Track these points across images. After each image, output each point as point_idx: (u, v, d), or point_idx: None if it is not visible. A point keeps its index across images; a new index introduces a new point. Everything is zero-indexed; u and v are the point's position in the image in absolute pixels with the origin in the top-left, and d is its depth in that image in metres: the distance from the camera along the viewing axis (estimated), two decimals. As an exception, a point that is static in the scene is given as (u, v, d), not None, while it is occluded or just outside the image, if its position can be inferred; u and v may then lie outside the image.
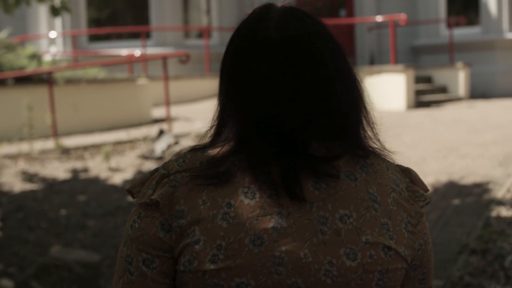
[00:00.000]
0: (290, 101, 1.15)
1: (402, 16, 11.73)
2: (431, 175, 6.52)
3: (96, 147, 8.83)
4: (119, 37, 14.98)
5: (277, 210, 1.12)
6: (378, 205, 1.16)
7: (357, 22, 14.40)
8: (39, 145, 8.84)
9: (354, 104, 1.20)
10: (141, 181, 1.21)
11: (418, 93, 12.04)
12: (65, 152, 8.64)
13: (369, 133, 1.25)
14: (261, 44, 1.18)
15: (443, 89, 12.74)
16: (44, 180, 7.51)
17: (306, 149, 1.15)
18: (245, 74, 1.18)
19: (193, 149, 1.22)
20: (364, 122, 1.23)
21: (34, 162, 8.28)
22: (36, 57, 10.61)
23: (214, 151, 1.19)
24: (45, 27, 15.06)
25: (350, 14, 15.15)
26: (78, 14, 14.39)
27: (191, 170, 1.16)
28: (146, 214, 1.16)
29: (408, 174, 1.26)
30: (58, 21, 14.44)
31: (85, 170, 7.84)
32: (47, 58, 12.35)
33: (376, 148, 1.25)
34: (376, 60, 14.78)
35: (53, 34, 14.18)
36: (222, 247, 1.10)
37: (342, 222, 1.13)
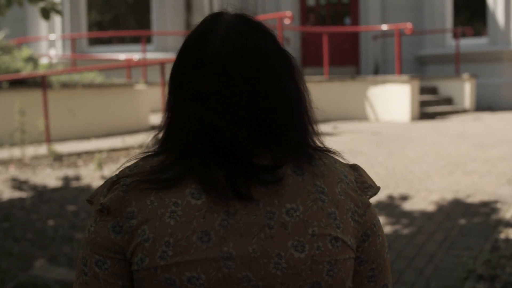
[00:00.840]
0: (228, 118, 1.17)
1: (408, 25, 11.46)
2: (436, 192, 6.24)
3: (90, 154, 8.57)
4: (121, 41, 14.75)
5: (224, 209, 1.16)
6: (325, 195, 1.19)
7: (362, 30, 14.15)
8: (31, 150, 8.58)
9: (295, 117, 1.23)
10: (97, 190, 1.26)
11: (423, 104, 11.77)
12: (58, 158, 8.38)
13: (315, 137, 1.28)
14: (202, 60, 1.20)
15: (448, 101, 12.46)
16: (34, 188, 7.25)
17: (249, 159, 1.18)
18: (186, 89, 1.21)
19: (145, 156, 1.26)
20: (309, 128, 1.27)
21: (25, 168, 8.02)
22: (32, 60, 10.35)
23: (162, 158, 1.23)
24: (45, 30, 14.83)
25: (355, 22, 14.90)
26: (78, 17, 14.17)
27: (140, 175, 1.20)
28: (100, 219, 1.20)
29: (355, 169, 1.29)
30: (58, 24, 14.21)
31: (77, 178, 7.57)
32: (44, 61, 12.10)
33: (323, 148, 1.29)
34: (381, 70, 14.52)
35: (52, 37, 13.94)
36: (170, 244, 1.14)
37: (289, 215, 1.16)
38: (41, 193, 7.02)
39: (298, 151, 1.22)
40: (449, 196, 6.11)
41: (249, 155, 1.18)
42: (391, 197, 6.17)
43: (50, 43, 14.68)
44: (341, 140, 8.65)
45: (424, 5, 14.31)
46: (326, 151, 1.29)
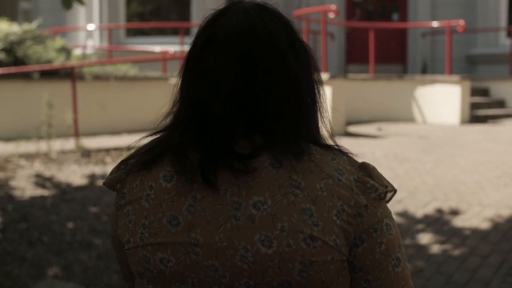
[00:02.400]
0: (220, 96, 1.15)
1: (460, 22, 10.78)
2: (491, 207, 5.63)
3: (119, 150, 8.16)
4: (160, 32, 14.35)
5: (192, 194, 1.15)
6: (299, 190, 1.12)
7: (411, 27, 13.46)
8: (59, 145, 8.21)
9: (292, 105, 1.17)
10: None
11: (474, 106, 11.08)
12: (86, 154, 7.99)
13: (319, 132, 1.24)
14: (210, 40, 1.19)
15: (501, 103, 11.74)
16: (57, 185, 6.86)
17: (228, 142, 1.15)
18: (192, 69, 1.21)
19: (150, 135, 1.28)
20: (312, 122, 1.22)
21: (51, 164, 7.64)
22: (65, 50, 9.99)
23: (157, 137, 1.25)
24: (83, 20, 14.53)
25: (403, 18, 14.22)
26: (116, 8, 13.81)
27: (135, 157, 1.25)
28: (115, 197, 1.28)
29: (363, 168, 1.19)
30: (96, 14, 13.88)
31: (103, 176, 7.15)
32: (78, 52, 11.75)
33: (325, 144, 1.22)
34: (429, 69, 13.83)
35: (90, 27, 13.61)
36: (146, 226, 1.18)
37: (256, 208, 1.12)
38: (64, 192, 6.62)
39: (284, 143, 1.16)
40: (505, 212, 5.50)
41: (229, 138, 1.15)
42: (440, 211, 5.59)
43: (88, 34, 14.37)
44: (386, 144, 8.06)
45: (477, 2, 13.57)
46: (329, 148, 1.22)
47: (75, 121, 8.38)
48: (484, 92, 11.99)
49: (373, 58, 11.47)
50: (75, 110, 8.40)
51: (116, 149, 8.22)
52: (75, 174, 7.24)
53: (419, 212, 5.56)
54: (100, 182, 6.94)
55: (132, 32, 14.39)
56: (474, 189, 6.12)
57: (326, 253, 1.11)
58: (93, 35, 14.06)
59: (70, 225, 5.75)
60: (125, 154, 7.31)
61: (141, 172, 1.22)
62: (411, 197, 5.89)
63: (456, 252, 4.76)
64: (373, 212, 1.15)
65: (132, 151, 1.29)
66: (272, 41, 1.18)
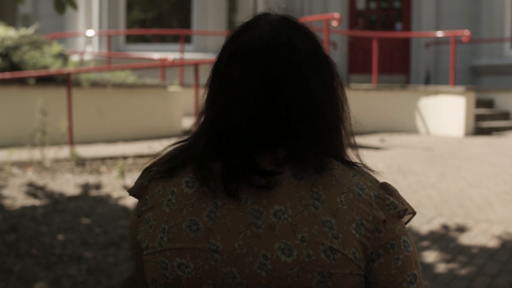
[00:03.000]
0: (244, 109, 1.17)
1: (465, 33, 10.59)
2: (498, 224, 5.41)
3: (115, 159, 7.94)
4: (161, 40, 14.16)
5: (213, 200, 1.16)
6: (320, 202, 1.13)
7: (415, 36, 13.27)
8: (53, 153, 7.99)
9: (315, 121, 1.18)
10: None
11: (478, 118, 10.86)
12: (80, 163, 7.77)
13: (343, 148, 1.25)
14: (236, 54, 1.21)
15: (505, 115, 11.52)
16: (49, 195, 6.64)
17: (251, 155, 1.16)
18: (219, 82, 1.23)
19: (175, 143, 1.30)
20: (335, 137, 1.23)
21: (45, 172, 7.43)
22: (62, 56, 9.80)
23: (181, 145, 1.28)
24: (83, 26, 14.36)
25: (407, 28, 14.04)
26: (116, 14, 13.63)
27: (158, 165, 1.27)
28: (136, 205, 1.30)
29: (384, 187, 1.20)
30: (95, 20, 13.71)
31: (98, 186, 6.94)
32: (75, 58, 11.55)
33: (349, 161, 1.23)
34: (432, 79, 13.63)
35: (89, 33, 13.43)
36: (165, 231, 1.19)
37: (277, 217, 1.13)
38: (56, 202, 6.40)
39: (305, 157, 1.17)
40: (514, 229, 5.28)
41: (251, 152, 1.16)
42: (446, 227, 5.37)
43: (87, 40, 14.19)
44: (389, 155, 7.85)
45: (481, 12, 13.38)
46: (351, 164, 1.22)
47: (70, 129, 8.18)
48: (489, 104, 11.78)
49: (376, 68, 11.27)
50: (70, 118, 8.19)
51: (112, 158, 8.00)
52: (68, 184, 7.03)
53: (423, 228, 5.34)
54: (93, 192, 6.73)
55: (132, 39, 14.21)
56: (481, 204, 5.90)
57: (345, 266, 1.11)
58: (92, 41, 13.88)
59: (60, 237, 5.53)
60: (120, 164, 7.10)
61: (163, 179, 1.24)
62: (415, 212, 5.67)
63: (463, 271, 4.54)
64: (391, 228, 1.16)
65: (155, 159, 1.32)
66: (295, 56, 1.19)
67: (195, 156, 1.20)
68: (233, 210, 1.15)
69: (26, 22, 14.53)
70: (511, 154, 8.23)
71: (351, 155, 1.27)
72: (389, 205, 1.16)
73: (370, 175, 1.23)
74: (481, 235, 5.18)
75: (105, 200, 6.49)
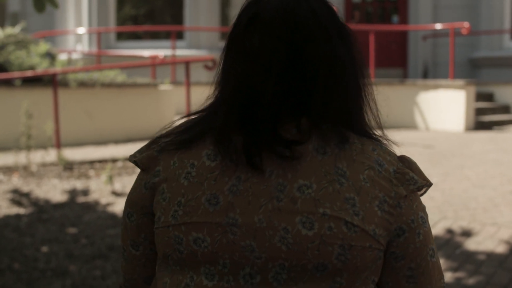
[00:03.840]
0: (267, 77, 1.14)
1: (465, 25, 10.29)
2: (506, 227, 5.13)
3: (104, 162, 7.65)
4: (154, 36, 13.84)
5: (236, 174, 1.14)
6: (345, 179, 1.13)
7: (413, 29, 12.97)
8: (40, 156, 7.69)
9: (339, 89, 1.17)
10: (141, 147, 1.29)
11: (478, 112, 10.58)
12: (68, 167, 7.47)
13: (372, 120, 1.24)
14: (255, 20, 1.18)
15: (506, 109, 11.25)
16: (35, 202, 6.35)
17: (273, 126, 1.14)
18: (237, 48, 1.18)
19: (190, 115, 1.26)
20: (357, 108, 1.21)
21: (31, 178, 7.13)
22: (49, 55, 9.48)
23: (198, 116, 1.23)
24: (73, 24, 14.03)
25: (404, 21, 13.73)
26: (107, 11, 13.29)
27: (172, 135, 1.22)
28: (139, 177, 1.26)
29: (402, 161, 1.20)
30: (85, 18, 13.38)
31: (85, 192, 6.65)
32: (63, 57, 11.22)
33: (370, 134, 1.22)
34: (430, 73, 13.34)
35: (78, 31, 13.11)
36: (181, 204, 1.15)
37: (300, 191, 1.12)
38: (41, 210, 6.11)
39: (329, 129, 1.15)
40: (522, 233, 5.00)
41: (275, 121, 1.14)
42: (450, 232, 5.08)
43: (77, 38, 13.86)
44: (388, 154, 7.55)
45: (480, 4, 13.09)
46: (371, 137, 1.21)
47: (57, 131, 7.87)
48: (489, 97, 11.50)
49: (373, 62, 10.98)
50: (56, 120, 7.89)
51: (101, 161, 7.70)
52: (55, 190, 6.73)
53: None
54: (81, 199, 6.44)
55: (124, 36, 13.89)
56: (486, 206, 5.61)
57: (364, 240, 1.11)
58: (82, 39, 13.56)
59: (44, 249, 5.23)
60: (108, 168, 6.80)
61: (179, 150, 1.19)
62: (418, 216, 5.39)
63: (471, 281, 4.26)
64: (410, 205, 1.17)
65: (164, 130, 1.26)
66: (318, 22, 1.17)
67: (216, 127, 1.16)
68: (256, 184, 1.13)
69: (15, 21, 14.20)
70: (514, 150, 7.95)
71: (373, 127, 1.24)
72: (409, 180, 1.17)
73: (388, 147, 1.22)
74: (488, 240, 4.90)
75: (92, 207, 6.19)
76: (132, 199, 1.26)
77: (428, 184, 1.20)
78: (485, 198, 5.82)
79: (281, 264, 1.11)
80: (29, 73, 8.37)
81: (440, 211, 5.49)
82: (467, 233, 5.04)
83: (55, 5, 4.92)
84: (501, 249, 4.73)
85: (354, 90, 1.20)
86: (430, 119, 10.27)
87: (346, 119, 1.18)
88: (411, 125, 10.35)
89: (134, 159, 1.25)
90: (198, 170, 1.16)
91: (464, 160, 7.26)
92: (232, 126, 1.15)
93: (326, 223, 1.10)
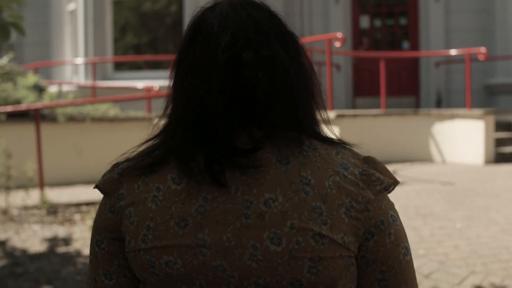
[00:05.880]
0: (210, 89, 1.15)
1: (481, 50, 9.65)
2: (547, 285, 4.40)
3: (92, 205, 6.98)
4: (154, 66, 13.26)
5: (203, 195, 1.14)
6: (310, 188, 1.12)
7: (424, 55, 12.32)
8: (23, 198, 7.02)
9: (284, 92, 1.17)
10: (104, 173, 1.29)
11: (498, 143, 9.87)
12: (52, 210, 6.81)
13: (317, 123, 1.24)
14: (197, 34, 1.19)
15: (526, 139, 10.52)
16: (10, 253, 5.68)
17: (229, 139, 1.14)
18: (182, 64, 1.20)
19: (148, 140, 1.25)
20: (308, 111, 1.21)
21: (10, 223, 6.48)
22: (37, 88, 8.88)
23: (155, 141, 1.23)
24: (69, 54, 13.49)
25: (414, 46, 13.10)
26: (104, 41, 12.72)
27: (134, 160, 1.21)
28: (102, 202, 1.24)
29: (367, 162, 1.19)
30: (81, 48, 12.82)
31: (67, 240, 5.97)
32: (53, 89, 10.62)
33: (326, 137, 1.22)
34: (444, 101, 12.67)
35: (73, 62, 12.54)
36: (150, 228, 1.14)
37: (266, 206, 1.12)
38: (16, 263, 5.43)
39: (281, 134, 1.16)
40: None
41: (229, 134, 1.13)
42: (481, 290, 4.37)
43: (73, 69, 13.30)
44: (404, 193, 6.84)
45: (495, 28, 12.45)
46: (332, 142, 1.21)
47: (40, 171, 7.21)
48: (508, 127, 10.78)
49: (384, 91, 10.32)
50: (39, 159, 7.24)
51: (88, 203, 7.03)
52: (34, 237, 6.06)
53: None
54: (61, 249, 5.76)
55: (125, 66, 13.32)
56: (521, 257, 4.89)
57: (334, 250, 1.10)
58: (78, 70, 12.99)
59: (12, 312, 4.55)
60: (92, 214, 6.12)
61: (142, 175, 1.18)
62: (442, 270, 4.67)
63: None
64: (378, 205, 1.15)
65: (124, 155, 1.25)
66: (257, 28, 1.18)
67: (175, 150, 1.16)
68: (223, 203, 1.12)
69: (11, 52, 13.68)
70: (542, 186, 7.22)
71: (327, 130, 1.24)
72: (375, 181, 1.16)
73: (352, 150, 1.21)
74: (527, 301, 4.17)
75: (72, 260, 5.51)
76: (99, 225, 1.22)
77: (395, 183, 1.18)
78: (518, 247, 5.10)
79: (256, 281, 1.11)
80: (9, 108, 7.75)
81: (467, 264, 4.77)
82: (501, 292, 4.32)
83: (22, 33, 4.32)
84: (543, 313, 4.01)
85: (301, 94, 1.19)
86: (447, 151, 9.57)
87: (298, 125, 1.17)
88: (426, 158, 9.65)
89: (97, 183, 1.24)
90: (164, 194, 1.15)
91: (489, 200, 6.54)
92: (191, 146, 1.14)
93: (293, 237, 1.09)
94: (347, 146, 1.21)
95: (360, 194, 1.13)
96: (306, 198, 1.10)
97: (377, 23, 13.69)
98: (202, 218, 1.12)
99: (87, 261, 5.51)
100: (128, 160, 1.23)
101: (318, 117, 1.23)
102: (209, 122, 1.13)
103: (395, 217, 1.17)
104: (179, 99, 1.18)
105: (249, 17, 1.17)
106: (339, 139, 1.22)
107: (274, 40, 1.17)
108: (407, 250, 1.19)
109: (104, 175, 1.24)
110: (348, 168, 1.15)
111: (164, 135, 1.20)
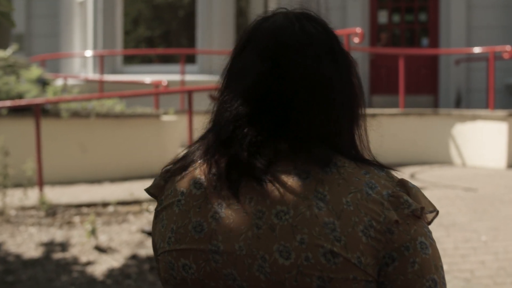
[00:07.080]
0: (247, 96, 1.15)
1: (507, 48, 9.19)
2: None
3: (93, 206, 6.62)
4: (166, 59, 12.89)
5: (218, 201, 1.14)
6: (324, 203, 1.10)
7: (445, 53, 11.86)
8: (20, 199, 6.67)
9: (321, 109, 1.14)
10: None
11: (520, 146, 9.40)
12: (51, 212, 6.46)
13: (361, 145, 1.21)
14: (249, 41, 1.20)
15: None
16: (3, 259, 5.34)
17: (251, 150, 1.13)
18: (231, 69, 1.21)
19: (195, 142, 1.27)
20: (352, 130, 1.20)
21: (6, 225, 6.13)
22: (41, 81, 8.54)
23: (196, 144, 1.24)
24: (79, 46, 13.15)
25: (434, 43, 12.64)
26: (113, 34, 12.36)
27: (172, 165, 1.24)
28: (155, 209, 1.26)
29: (401, 185, 1.14)
30: (90, 40, 12.48)
31: (64, 246, 5.62)
32: (59, 82, 10.27)
33: (370, 160, 1.18)
34: (464, 100, 12.21)
35: (85, 54, 12.20)
36: (173, 231, 1.17)
37: (278, 217, 1.10)
38: (8, 270, 5.09)
39: (307, 150, 1.13)
40: None
41: (254, 145, 1.13)
42: (512, 314, 3.96)
43: (82, 61, 12.96)
44: (424, 200, 6.41)
45: (518, 25, 11.97)
46: (366, 162, 1.16)
47: (39, 170, 6.85)
48: (531, 129, 10.32)
49: (403, 89, 9.89)
50: (39, 157, 6.88)
51: (89, 205, 6.67)
52: (30, 241, 5.71)
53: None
54: (57, 255, 5.41)
55: (136, 60, 12.97)
56: (554, 276, 4.48)
57: (347, 271, 1.06)
58: (87, 63, 12.64)
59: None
60: (91, 219, 5.75)
61: (176, 178, 1.21)
62: (468, 289, 4.27)
63: None
64: (405, 230, 1.09)
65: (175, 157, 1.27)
66: (308, 41, 1.17)
67: (202, 154, 1.18)
68: (237, 211, 1.12)
69: (20, 43, 13.36)
70: None
71: (366, 153, 1.19)
72: (403, 203, 1.10)
73: (389, 172, 1.16)
74: None
75: (69, 267, 5.15)
76: (154, 241, 1.25)
77: (432, 210, 1.12)
78: (550, 264, 4.68)
79: None
80: (7, 103, 7.39)
81: (495, 283, 4.37)
82: (534, 317, 3.91)
83: (12, 24, 3.97)
84: None
85: (343, 111, 1.16)
86: (467, 154, 9.14)
87: (332, 140, 1.14)
88: (445, 161, 9.22)
89: (147, 188, 1.27)
90: (186, 198, 1.17)
91: (515, 209, 6.12)
92: (218, 151, 1.15)
93: (303, 252, 1.06)
94: (384, 169, 1.16)
95: (383, 214, 1.08)
96: (319, 213, 1.07)
97: (396, 18, 13.23)
98: (216, 225, 1.12)
99: (84, 269, 5.17)
100: (174, 162, 1.24)
101: (357, 138, 1.19)
102: (237, 127, 1.13)
103: (426, 245, 1.09)
104: (222, 103, 1.18)
105: (302, 30, 1.17)
106: (376, 161, 1.18)
107: (325, 56, 1.16)
108: (435, 284, 1.08)
109: (154, 180, 1.28)
110: (375, 187, 1.11)
111: (202, 137, 1.22)
